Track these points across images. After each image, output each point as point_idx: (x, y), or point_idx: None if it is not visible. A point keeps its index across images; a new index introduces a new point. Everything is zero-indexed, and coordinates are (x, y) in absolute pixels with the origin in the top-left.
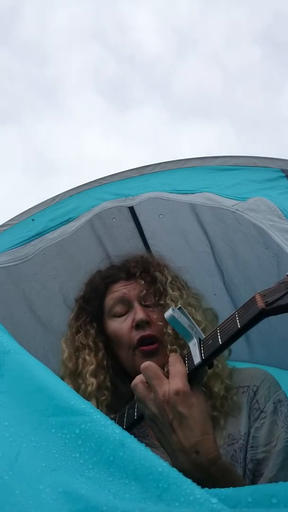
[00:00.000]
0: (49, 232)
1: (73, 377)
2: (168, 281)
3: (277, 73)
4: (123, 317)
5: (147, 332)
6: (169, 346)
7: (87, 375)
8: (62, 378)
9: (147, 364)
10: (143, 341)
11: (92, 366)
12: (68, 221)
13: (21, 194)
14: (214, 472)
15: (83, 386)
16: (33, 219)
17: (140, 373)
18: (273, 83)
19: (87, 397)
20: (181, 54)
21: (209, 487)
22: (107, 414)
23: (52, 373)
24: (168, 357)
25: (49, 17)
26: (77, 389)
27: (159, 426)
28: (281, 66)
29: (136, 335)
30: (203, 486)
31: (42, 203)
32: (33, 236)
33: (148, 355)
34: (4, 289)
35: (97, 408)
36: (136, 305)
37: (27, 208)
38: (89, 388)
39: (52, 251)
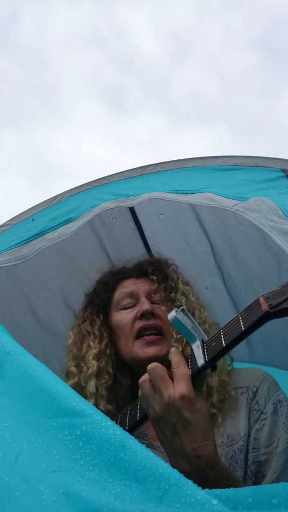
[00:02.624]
0: (49, 232)
1: (77, 360)
2: (180, 279)
3: (274, 78)
4: (129, 309)
5: (150, 322)
6: (174, 336)
7: (90, 358)
8: (66, 363)
9: (153, 365)
10: (144, 330)
11: (95, 350)
12: (68, 221)
13: (21, 198)
14: (212, 475)
15: (84, 368)
16: (33, 219)
17: (140, 363)
18: (270, 88)
19: (87, 378)
20: (179, 59)
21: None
22: (108, 396)
23: (53, 374)
24: (170, 348)
25: (47, 23)
26: (79, 372)
27: (161, 426)
28: (279, 71)
29: (139, 324)
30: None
31: (42, 203)
32: (33, 236)
33: (149, 345)
34: (4, 289)
35: (97, 390)
36: (143, 299)
37: (27, 208)
38: (90, 370)
39: (52, 251)
